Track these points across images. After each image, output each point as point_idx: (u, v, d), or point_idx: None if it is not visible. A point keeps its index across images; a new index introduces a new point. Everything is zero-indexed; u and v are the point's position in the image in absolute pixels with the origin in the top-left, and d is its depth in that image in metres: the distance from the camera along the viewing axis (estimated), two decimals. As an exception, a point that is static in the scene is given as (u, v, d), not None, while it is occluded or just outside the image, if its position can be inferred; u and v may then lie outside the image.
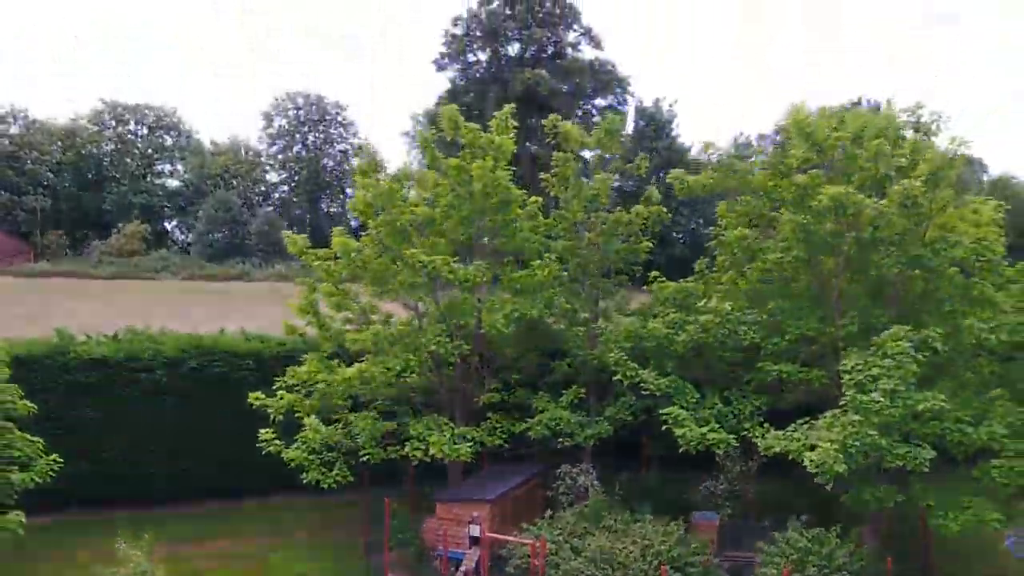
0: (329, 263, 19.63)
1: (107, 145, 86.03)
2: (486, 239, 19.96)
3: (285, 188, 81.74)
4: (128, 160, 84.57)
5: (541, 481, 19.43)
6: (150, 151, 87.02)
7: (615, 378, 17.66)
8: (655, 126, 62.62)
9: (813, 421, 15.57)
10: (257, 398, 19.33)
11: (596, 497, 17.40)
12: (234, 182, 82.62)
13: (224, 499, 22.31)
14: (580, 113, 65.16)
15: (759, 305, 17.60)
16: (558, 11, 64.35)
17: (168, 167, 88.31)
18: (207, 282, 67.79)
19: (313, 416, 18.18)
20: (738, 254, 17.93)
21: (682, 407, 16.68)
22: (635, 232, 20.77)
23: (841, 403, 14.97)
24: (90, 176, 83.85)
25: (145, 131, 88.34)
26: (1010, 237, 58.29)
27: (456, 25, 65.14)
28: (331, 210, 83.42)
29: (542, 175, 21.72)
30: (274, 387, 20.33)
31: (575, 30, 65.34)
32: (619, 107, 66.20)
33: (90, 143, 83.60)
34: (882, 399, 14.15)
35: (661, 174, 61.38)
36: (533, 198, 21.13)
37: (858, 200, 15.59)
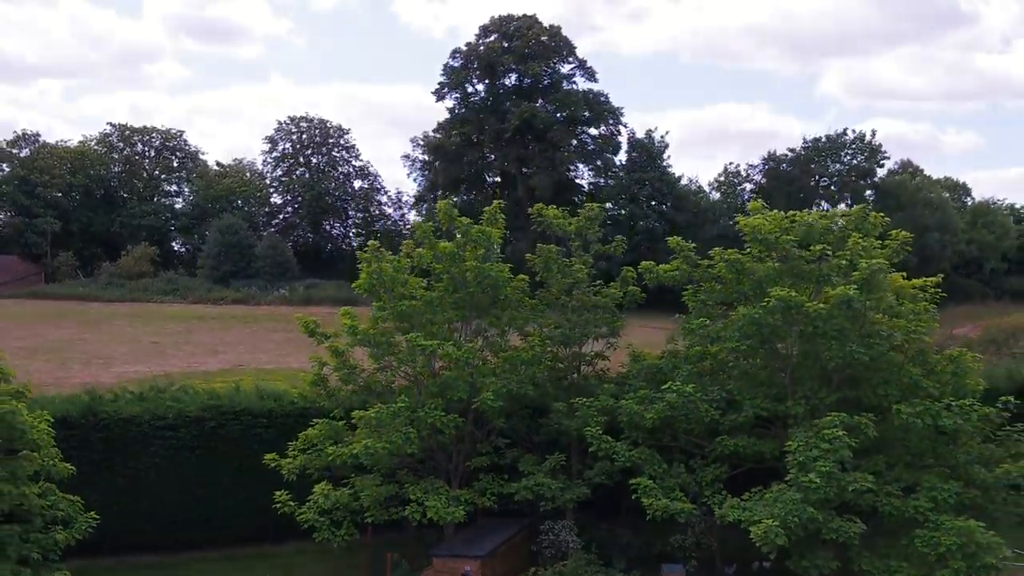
0: (335, 341, 21.78)
1: (115, 167, 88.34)
2: (477, 319, 22.12)
3: (289, 210, 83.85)
4: (136, 182, 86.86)
5: (528, 535, 21.61)
6: (157, 172, 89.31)
7: (591, 450, 19.84)
8: (647, 157, 64.91)
9: (765, 490, 17.73)
10: (273, 459, 21.45)
11: (575, 557, 19.58)
12: (239, 202, 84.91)
13: (242, 545, 24.42)
14: (575, 143, 67.33)
15: (720, 383, 19.76)
16: (553, 45, 66.63)
17: (175, 187, 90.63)
18: (213, 305, 70.06)
19: (323, 482, 20.31)
20: (700, 340, 20.09)
21: (650, 476, 18.85)
22: (612, 309, 22.91)
23: (786, 478, 17.16)
24: (98, 196, 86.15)
25: (152, 153, 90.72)
26: (992, 261, 60.36)
27: (455, 58, 67.41)
28: (333, 231, 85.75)
29: (528, 256, 23.81)
30: (288, 444, 22.40)
31: (569, 62, 67.65)
32: (612, 136, 68.34)
33: (99, 165, 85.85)
34: (819, 480, 16.35)
35: (654, 203, 63.87)
36: (520, 276, 23.27)
37: (800, 301, 17.74)
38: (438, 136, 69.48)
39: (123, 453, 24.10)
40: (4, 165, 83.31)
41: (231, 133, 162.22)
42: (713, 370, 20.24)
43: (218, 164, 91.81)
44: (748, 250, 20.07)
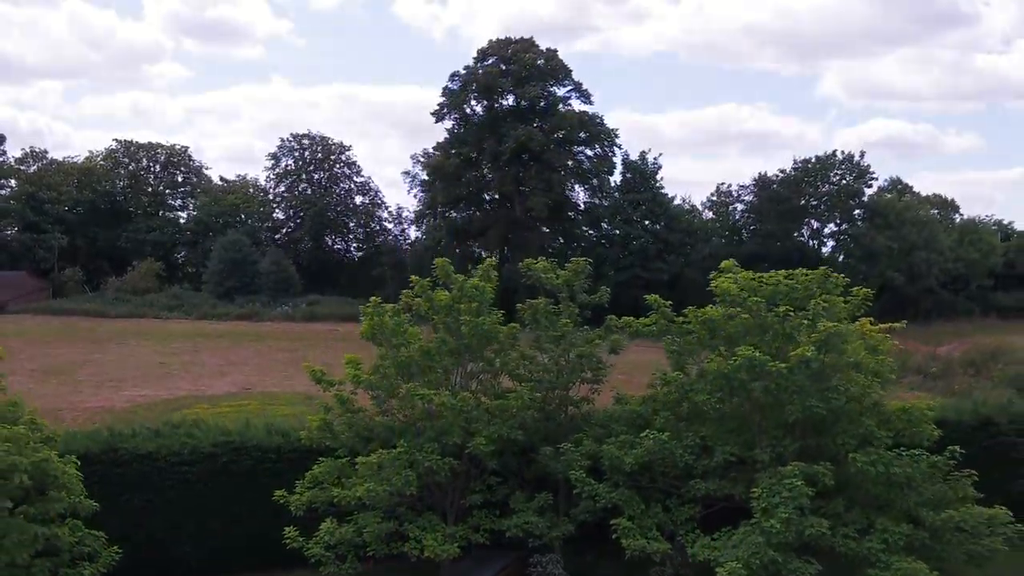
0: (340, 389, 23.29)
1: (120, 182, 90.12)
2: (471, 361, 23.69)
3: (291, 225, 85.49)
4: (141, 197, 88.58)
5: (518, 567, 23.22)
6: (162, 188, 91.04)
7: (574, 492, 21.47)
8: (641, 178, 66.63)
9: (733, 531, 19.39)
10: (282, 495, 23.08)
11: (560, 591, 21.25)
12: (242, 216, 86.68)
13: (252, 572, 26.06)
14: (571, 163, 69.01)
15: (695, 430, 21.40)
16: (549, 68, 68.35)
17: (179, 202, 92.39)
18: (218, 321, 71.82)
19: (329, 519, 21.93)
20: (676, 389, 21.74)
21: (629, 516, 20.48)
22: (597, 357, 24.45)
23: (751, 521, 18.80)
24: (105, 211, 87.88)
25: (157, 168, 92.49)
26: (979, 277, 62.06)
27: (453, 80, 69.11)
28: (335, 246, 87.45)
29: (518, 305, 25.38)
30: (295, 476, 24.00)
31: (565, 85, 69.38)
32: (607, 157, 70.01)
33: (105, 181, 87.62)
34: (779, 525, 17.99)
35: (648, 223, 65.56)
36: (512, 325, 24.90)
37: (764, 361, 19.40)
38: (437, 154, 71.16)
39: (141, 487, 25.69)
40: (12, 181, 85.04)
41: (231, 133, 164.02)
42: (689, 416, 21.83)
43: (222, 179, 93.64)
44: (719, 306, 21.68)
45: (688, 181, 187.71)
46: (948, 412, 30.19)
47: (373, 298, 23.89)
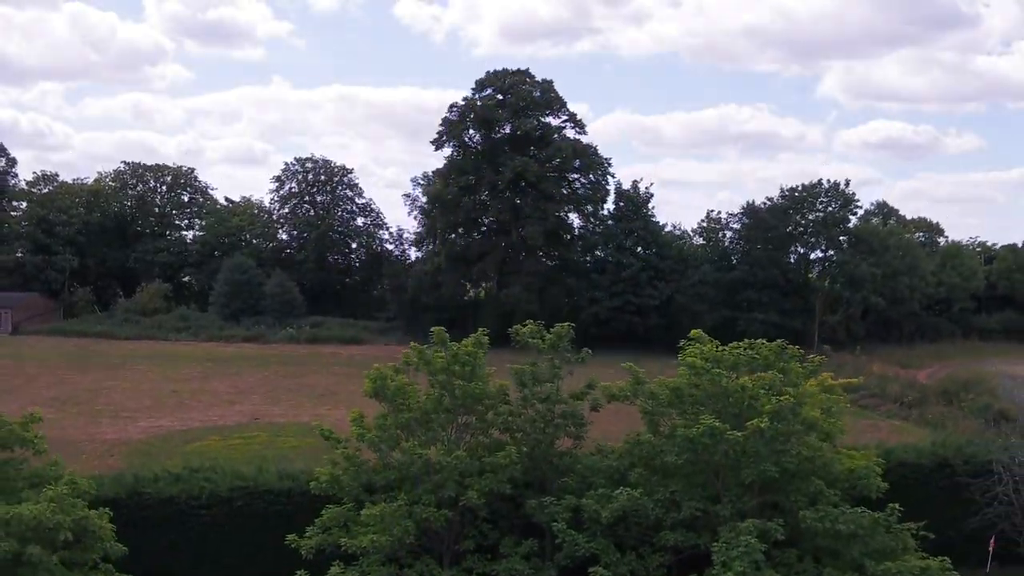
0: (346, 447, 25.61)
1: (127, 202, 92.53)
2: (465, 415, 26.07)
3: (295, 246, 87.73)
4: (149, 218, 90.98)
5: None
6: (169, 208, 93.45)
7: (556, 541, 23.86)
8: (633, 207, 69.03)
9: (697, 577, 21.84)
10: (293, 539, 25.46)
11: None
12: (247, 236, 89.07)
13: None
14: (566, 191, 71.36)
15: (665, 485, 23.79)
16: (545, 100, 70.77)
17: (186, 222, 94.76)
18: (225, 344, 74.18)
19: (337, 562, 24.33)
20: (647, 449, 24.13)
21: (605, 564, 22.86)
22: (579, 415, 26.81)
23: (713, 572, 21.18)
24: (112, 229, 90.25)
25: (164, 189, 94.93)
26: (961, 301, 64.42)
27: (452, 112, 71.50)
28: (338, 265, 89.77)
29: (510, 366, 27.72)
30: (304, 519, 26.37)
31: (560, 116, 71.81)
32: (601, 184, 72.38)
33: (113, 202, 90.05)
34: (735, 578, 20.39)
35: (640, 250, 67.93)
36: (503, 383, 27.25)
37: (723, 429, 21.77)
38: (436, 181, 73.55)
39: (163, 529, 28.13)
40: (23, 204, 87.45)
41: (232, 134, 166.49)
42: (660, 471, 24.21)
43: (227, 199, 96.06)
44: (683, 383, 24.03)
45: (689, 181, 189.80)
46: (908, 454, 32.71)
47: (376, 366, 26.23)
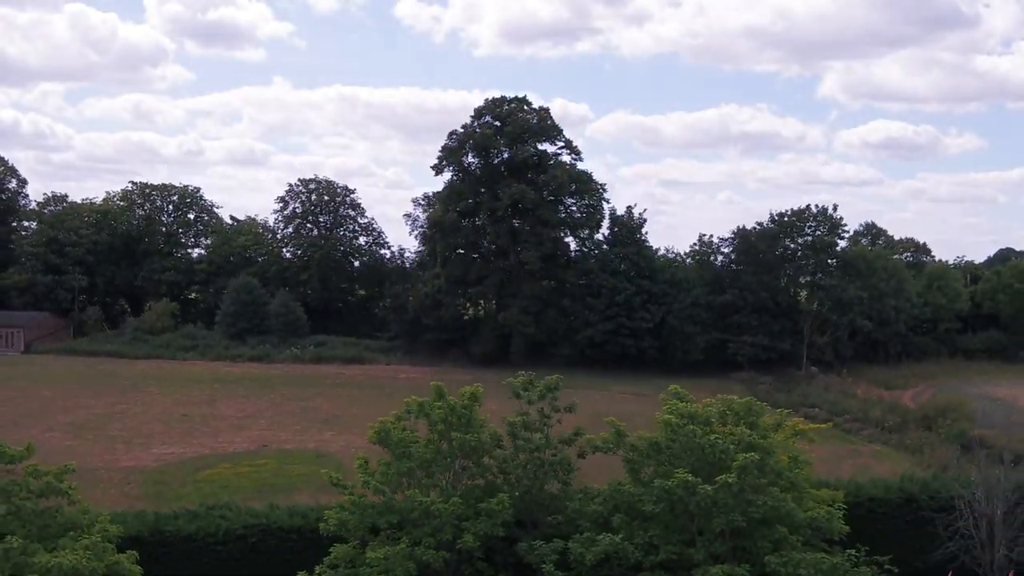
0: (352, 492, 27.76)
1: (135, 221, 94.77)
2: (461, 460, 28.27)
3: (298, 265, 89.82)
4: (156, 237, 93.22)
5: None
6: (175, 227, 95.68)
7: (544, 581, 26.11)
8: (627, 232, 71.26)
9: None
10: (304, 577, 27.64)
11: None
12: (250, 253, 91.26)
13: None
14: (563, 216, 73.56)
15: (645, 529, 26.00)
16: (542, 128, 73.05)
17: (192, 240, 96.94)
18: (231, 363, 76.40)
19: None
20: (627, 497, 26.34)
21: (589, 604, 25.14)
22: (567, 463, 29.00)
23: (689, 612, 23.44)
24: (120, 249, 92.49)
25: (171, 208, 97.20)
26: (946, 321, 66.60)
27: (451, 139, 73.75)
28: (340, 284, 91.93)
29: (505, 417, 29.88)
30: (313, 554, 28.54)
31: (556, 143, 74.07)
32: (596, 209, 74.60)
33: (121, 222, 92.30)
34: (706, 619, 22.63)
35: (633, 275, 70.12)
36: (494, 431, 29.43)
37: (696, 483, 23.99)
38: (436, 205, 75.77)
39: (183, 564, 30.39)
40: (34, 223, 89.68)
41: (233, 135, 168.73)
42: (641, 517, 26.41)
43: (232, 218, 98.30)
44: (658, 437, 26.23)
45: (689, 182, 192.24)
46: (877, 489, 34.97)
47: (380, 419, 28.40)
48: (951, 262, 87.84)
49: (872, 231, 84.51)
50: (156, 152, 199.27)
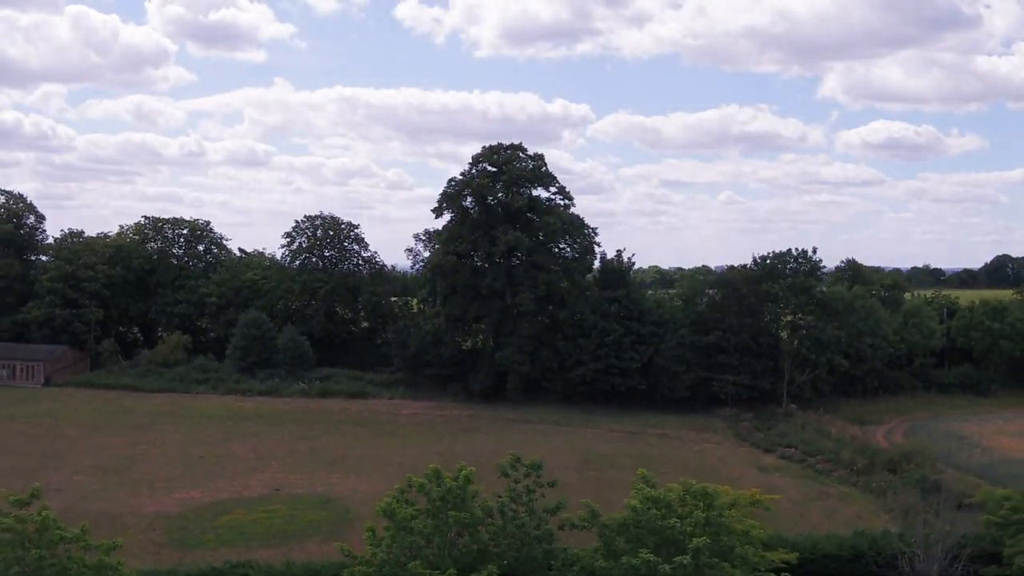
0: (361, 564, 31.68)
1: (149, 254, 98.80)
2: (456, 536, 32.23)
3: (305, 298, 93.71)
4: (168, 271, 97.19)
5: None
6: (186, 260, 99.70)
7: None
8: (616, 275, 75.31)
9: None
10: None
11: None
12: (259, 287, 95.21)
13: None
14: (556, 259, 77.55)
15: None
16: (536, 174, 77.11)
17: (202, 270, 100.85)
18: (242, 397, 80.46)
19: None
20: (599, 570, 30.36)
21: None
22: (548, 535, 32.95)
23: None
24: (133, 282, 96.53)
25: (181, 240, 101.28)
26: (921, 356, 69.96)
27: (451, 186, 77.82)
28: (344, 315, 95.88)
29: (496, 496, 33.76)
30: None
31: (550, 190, 78.18)
32: (588, 250, 78.66)
33: (134, 257, 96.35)
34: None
35: (622, 316, 74.09)
36: (486, 503, 33.39)
37: (657, 563, 27.99)
38: (436, 247, 79.81)
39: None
40: (52, 258, 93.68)
41: (234, 136, 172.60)
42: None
43: (240, 251, 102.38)
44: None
45: (691, 182, 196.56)
46: (831, 545, 39.16)
47: (386, 498, 32.38)
48: (929, 294, 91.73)
49: (852, 268, 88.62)
50: (158, 153, 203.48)
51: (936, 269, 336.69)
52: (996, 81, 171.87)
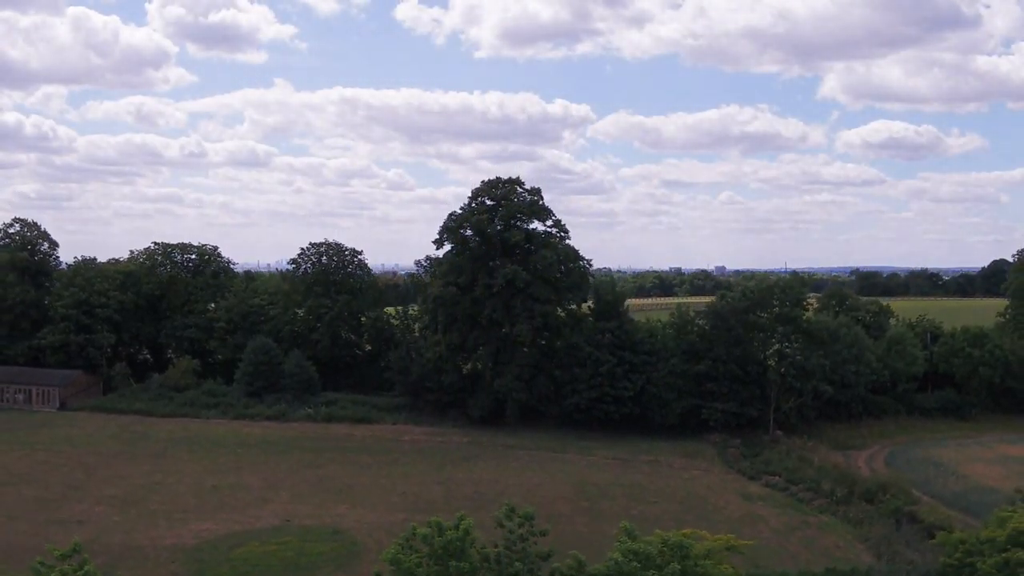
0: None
1: (159, 278, 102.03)
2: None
3: (310, 323, 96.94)
4: (177, 296, 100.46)
5: None
6: (195, 287, 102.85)
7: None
8: (610, 307, 78.55)
9: None
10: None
11: None
12: (268, 310, 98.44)
13: None
14: (552, 291, 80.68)
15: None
16: (533, 209, 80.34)
17: (210, 295, 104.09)
18: (251, 422, 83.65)
19: None
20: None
21: None
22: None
23: None
24: (144, 305, 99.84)
25: (190, 264, 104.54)
26: (903, 382, 73.21)
27: (451, 219, 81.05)
28: (347, 338, 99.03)
29: (491, 548, 36.87)
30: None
31: (546, 224, 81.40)
32: (582, 282, 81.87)
33: (145, 283, 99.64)
34: None
35: (615, 348, 77.26)
36: (483, 550, 36.56)
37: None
38: (437, 279, 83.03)
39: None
40: (66, 285, 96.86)
41: (235, 136, 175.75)
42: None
43: (247, 274, 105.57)
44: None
45: (691, 182, 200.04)
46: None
47: (392, 548, 35.54)
48: (913, 320, 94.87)
49: (838, 295, 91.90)
50: (158, 154, 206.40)
51: (934, 274, 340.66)
52: (996, 81, 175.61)
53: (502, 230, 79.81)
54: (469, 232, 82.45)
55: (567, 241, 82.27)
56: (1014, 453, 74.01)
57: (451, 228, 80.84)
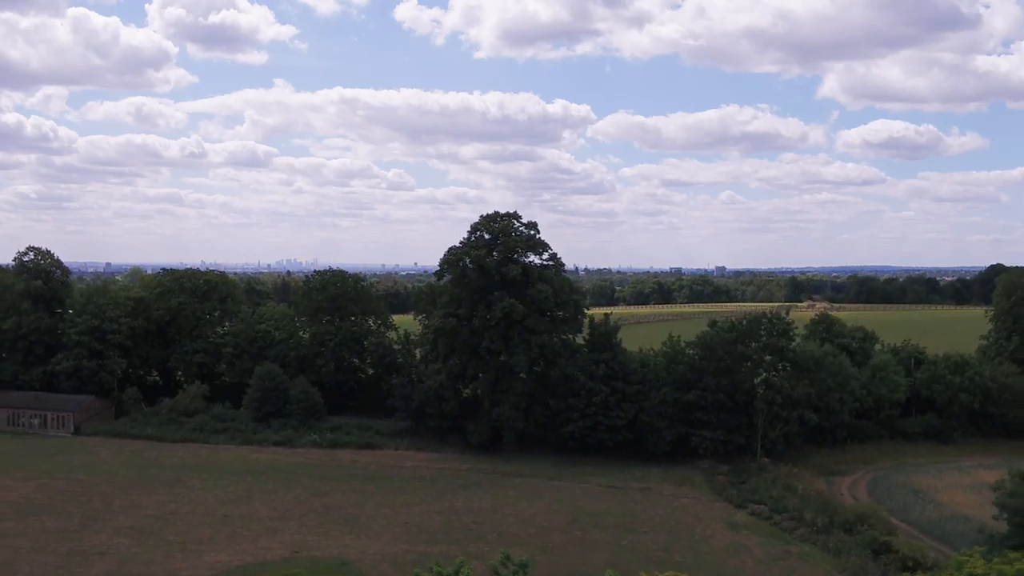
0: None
1: (168, 304, 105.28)
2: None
3: (315, 348, 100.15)
4: (185, 322, 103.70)
5: None
6: (203, 312, 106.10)
7: None
8: (603, 338, 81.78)
9: None
10: None
11: None
12: (275, 335, 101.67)
13: None
14: (548, 321, 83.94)
15: None
16: (530, 242, 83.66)
17: (217, 319, 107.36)
18: (259, 447, 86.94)
19: None
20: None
21: None
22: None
23: None
24: (154, 331, 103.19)
25: (199, 292, 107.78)
26: (888, 407, 76.55)
27: (451, 253, 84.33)
28: (351, 362, 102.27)
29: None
30: None
31: (543, 257, 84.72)
32: (577, 313, 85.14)
33: (154, 309, 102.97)
34: None
35: (608, 378, 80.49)
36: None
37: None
38: (438, 310, 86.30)
39: None
40: (79, 312, 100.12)
41: (235, 137, 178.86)
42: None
43: (254, 299, 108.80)
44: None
45: (691, 182, 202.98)
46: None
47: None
48: (899, 343, 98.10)
49: (825, 320, 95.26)
50: (159, 155, 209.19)
51: (931, 279, 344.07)
52: (996, 81, 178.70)
53: (500, 263, 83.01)
54: (469, 264, 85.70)
55: (563, 273, 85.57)
56: (990, 479, 76.91)
57: (451, 261, 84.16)
